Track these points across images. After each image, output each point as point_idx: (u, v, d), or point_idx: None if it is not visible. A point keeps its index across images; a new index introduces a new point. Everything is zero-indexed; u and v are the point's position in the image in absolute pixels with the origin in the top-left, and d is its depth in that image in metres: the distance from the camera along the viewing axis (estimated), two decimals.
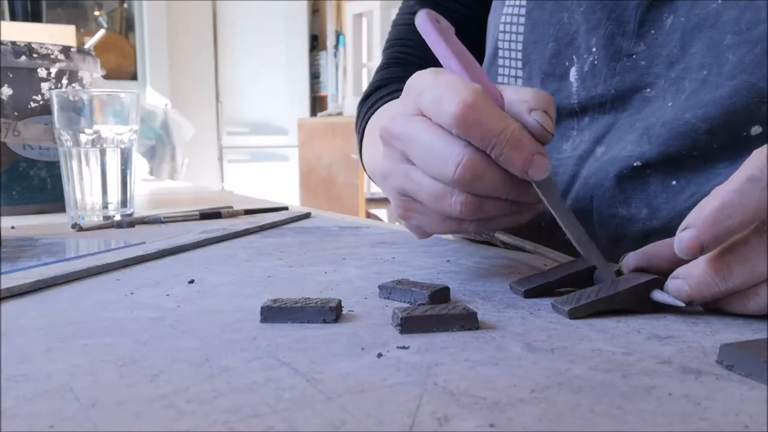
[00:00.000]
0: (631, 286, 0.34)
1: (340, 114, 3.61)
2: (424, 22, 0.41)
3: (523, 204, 0.40)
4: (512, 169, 0.37)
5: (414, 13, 0.69)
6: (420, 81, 0.40)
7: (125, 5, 4.07)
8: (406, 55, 0.71)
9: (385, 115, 0.40)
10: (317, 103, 4.57)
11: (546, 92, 0.39)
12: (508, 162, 0.37)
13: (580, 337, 0.30)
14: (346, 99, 3.76)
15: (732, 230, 0.31)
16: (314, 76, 4.54)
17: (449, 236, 0.67)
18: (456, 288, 0.40)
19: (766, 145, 0.33)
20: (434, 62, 0.74)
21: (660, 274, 0.35)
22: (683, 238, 0.31)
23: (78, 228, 0.64)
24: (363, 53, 4.24)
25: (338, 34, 4.37)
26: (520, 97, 0.38)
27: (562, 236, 0.52)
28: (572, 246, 0.50)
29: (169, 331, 0.31)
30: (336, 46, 4.37)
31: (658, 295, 0.34)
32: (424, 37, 0.41)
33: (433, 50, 0.41)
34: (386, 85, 0.69)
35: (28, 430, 0.21)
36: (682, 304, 0.33)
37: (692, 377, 0.25)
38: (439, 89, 0.37)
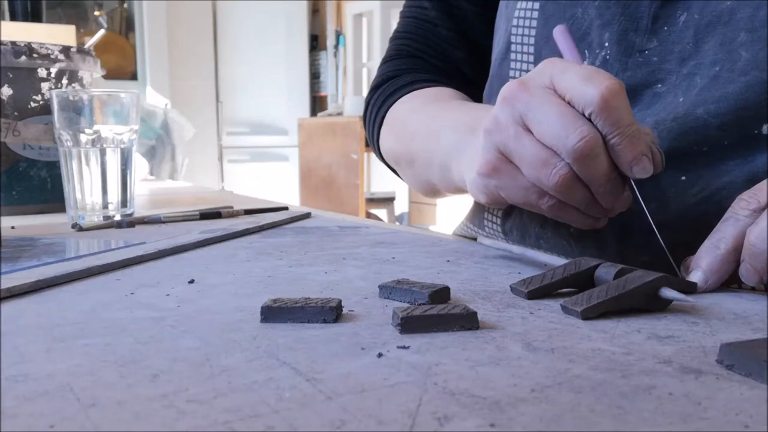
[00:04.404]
0: (641, 284, 0.34)
1: (340, 114, 3.62)
2: (562, 33, 0.47)
3: (599, 212, 0.44)
4: (622, 159, 0.40)
5: (423, 8, 0.71)
6: (557, 64, 0.43)
7: (125, 5, 4.07)
8: (411, 48, 0.73)
9: (513, 80, 0.44)
10: (317, 103, 4.57)
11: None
12: (623, 152, 0.40)
13: (580, 337, 0.30)
14: (346, 99, 3.77)
15: (724, 257, 0.39)
16: (314, 76, 4.55)
17: (449, 236, 0.67)
18: (456, 288, 0.40)
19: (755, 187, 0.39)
20: (433, 56, 0.74)
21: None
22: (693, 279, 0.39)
23: (78, 228, 0.64)
24: (363, 53, 4.24)
25: (338, 34, 4.37)
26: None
27: (568, 228, 0.52)
28: (570, 242, 0.50)
29: (169, 331, 0.31)
30: (336, 46, 4.37)
31: (667, 293, 0.34)
32: (559, 44, 0.46)
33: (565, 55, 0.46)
34: (399, 76, 0.71)
35: (28, 430, 0.21)
36: (692, 300, 0.34)
37: (692, 377, 0.25)
38: (583, 71, 0.41)
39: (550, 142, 0.41)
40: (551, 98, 0.41)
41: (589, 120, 0.40)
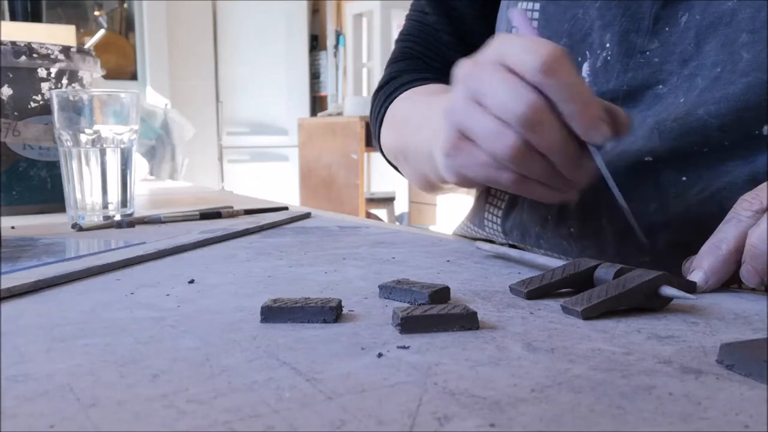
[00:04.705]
0: (641, 283, 0.34)
1: (340, 114, 3.62)
2: (521, 15, 0.46)
3: (563, 184, 0.43)
4: (577, 125, 0.40)
5: (424, 12, 0.71)
6: (506, 40, 0.42)
7: (125, 5, 4.07)
8: (414, 51, 0.73)
9: (467, 59, 0.44)
10: (317, 103, 4.57)
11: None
12: (576, 117, 0.39)
13: (580, 337, 0.30)
14: (346, 99, 3.77)
15: (725, 258, 0.38)
16: (314, 76, 4.54)
17: (449, 236, 0.67)
18: (456, 288, 0.40)
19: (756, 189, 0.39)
20: (435, 59, 0.74)
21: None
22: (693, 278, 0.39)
23: (78, 228, 0.64)
24: (363, 53, 4.24)
25: (338, 34, 4.37)
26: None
27: (568, 228, 0.52)
28: (570, 242, 0.50)
29: (169, 331, 0.31)
30: (336, 46, 4.37)
31: (667, 291, 0.34)
32: (518, 26, 0.46)
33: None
34: (399, 77, 0.72)
35: (28, 430, 0.21)
36: (693, 298, 0.34)
37: (692, 377, 0.25)
38: (526, 42, 0.41)
39: (500, 113, 0.41)
40: (499, 72, 0.41)
41: (538, 90, 0.40)
